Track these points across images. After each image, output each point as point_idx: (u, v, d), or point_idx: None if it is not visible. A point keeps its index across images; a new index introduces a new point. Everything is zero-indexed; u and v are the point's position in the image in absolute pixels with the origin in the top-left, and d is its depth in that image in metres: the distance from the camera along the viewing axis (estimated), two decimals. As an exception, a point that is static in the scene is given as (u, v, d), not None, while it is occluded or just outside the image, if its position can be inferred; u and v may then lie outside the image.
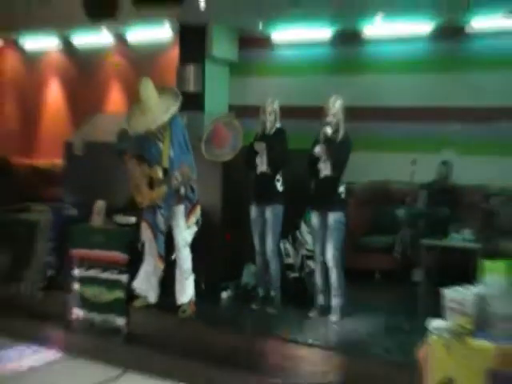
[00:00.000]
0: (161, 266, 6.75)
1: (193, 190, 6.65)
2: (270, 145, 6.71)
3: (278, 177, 6.82)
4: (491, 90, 8.86)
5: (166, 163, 6.50)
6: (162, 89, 6.80)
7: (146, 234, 6.77)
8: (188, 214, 6.66)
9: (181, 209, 6.62)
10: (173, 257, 6.74)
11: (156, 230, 6.70)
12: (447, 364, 3.98)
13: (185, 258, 6.65)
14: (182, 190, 6.51)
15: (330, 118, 6.42)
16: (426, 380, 4.10)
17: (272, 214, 6.80)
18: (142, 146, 6.68)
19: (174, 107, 6.52)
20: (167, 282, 6.80)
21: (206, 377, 5.92)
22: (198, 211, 6.75)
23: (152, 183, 6.59)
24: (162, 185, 6.47)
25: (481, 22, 9.11)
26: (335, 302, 6.55)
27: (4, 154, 11.82)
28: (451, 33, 9.48)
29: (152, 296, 6.86)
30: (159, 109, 6.50)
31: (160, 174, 6.49)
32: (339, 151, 6.38)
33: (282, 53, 11.09)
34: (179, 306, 6.66)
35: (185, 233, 6.65)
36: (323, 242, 6.52)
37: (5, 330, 7.33)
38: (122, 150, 7.48)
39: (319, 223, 6.53)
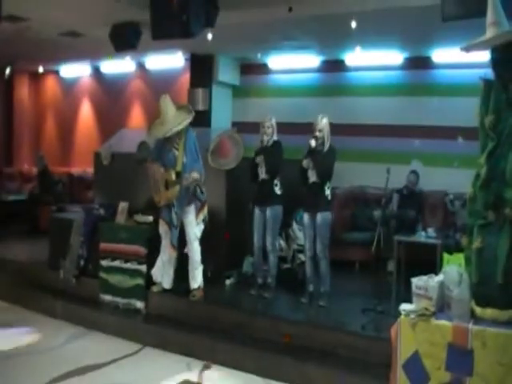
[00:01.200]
0: (173, 254, 6.76)
1: (202, 192, 6.70)
2: (268, 155, 6.73)
3: (276, 182, 6.81)
4: (451, 113, 8.90)
5: (179, 167, 6.52)
6: (179, 105, 6.92)
7: (162, 229, 6.79)
8: (197, 212, 6.71)
9: (192, 208, 6.65)
10: (185, 250, 6.77)
11: (171, 225, 6.71)
12: (413, 339, 4.04)
13: (195, 250, 6.68)
14: (192, 189, 6.55)
15: (316, 133, 6.44)
16: (395, 352, 4.15)
17: (272, 213, 6.77)
18: (161, 153, 6.72)
19: (187, 120, 6.59)
20: (180, 271, 6.81)
21: (212, 348, 5.96)
22: (205, 210, 6.79)
23: (167, 185, 6.64)
24: (176, 185, 6.52)
25: (442, 55, 9.22)
26: (323, 288, 6.57)
27: (45, 163, 11.83)
28: (418, 63, 9.56)
29: (167, 282, 6.87)
30: (175, 120, 6.56)
31: (174, 176, 6.53)
32: (324, 161, 6.42)
33: (277, 77, 11.14)
34: (190, 291, 6.70)
35: (195, 229, 6.68)
36: (313, 239, 6.52)
37: (45, 309, 7.39)
38: (141, 159, 7.55)
39: (310, 222, 6.51)
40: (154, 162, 6.74)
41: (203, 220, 6.77)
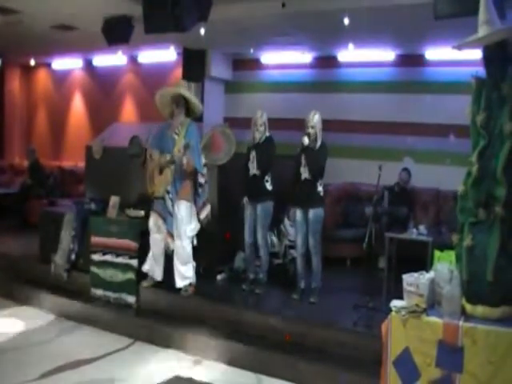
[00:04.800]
0: (171, 242, 6.68)
1: (201, 185, 6.68)
2: (260, 152, 6.74)
3: (267, 178, 6.83)
4: (443, 110, 8.94)
5: (176, 151, 6.47)
6: None
7: (152, 221, 6.76)
8: (199, 210, 6.71)
9: (184, 204, 6.60)
10: (171, 247, 6.73)
11: (165, 215, 6.67)
12: (404, 336, 4.06)
13: (184, 248, 6.61)
14: (184, 160, 6.39)
15: (309, 130, 6.45)
16: (386, 348, 4.17)
17: (262, 209, 6.79)
18: (161, 141, 6.69)
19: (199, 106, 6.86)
20: (172, 267, 6.82)
21: (203, 343, 5.98)
22: (208, 208, 6.79)
23: (162, 170, 6.60)
24: (167, 165, 6.50)
25: (434, 53, 9.25)
26: (314, 285, 6.61)
27: (36, 156, 11.81)
28: (410, 61, 9.59)
29: (158, 275, 6.86)
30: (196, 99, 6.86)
31: (168, 157, 6.51)
32: (317, 158, 6.43)
33: (269, 73, 11.14)
34: (178, 289, 6.68)
35: (186, 226, 6.60)
36: (305, 234, 6.55)
37: (36, 303, 7.39)
38: (133, 153, 7.53)
39: (302, 218, 6.53)
40: (152, 152, 6.73)
41: (205, 218, 6.76)
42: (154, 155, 6.68)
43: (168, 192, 6.61)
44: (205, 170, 6.72)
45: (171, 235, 6.70)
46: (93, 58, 12.78)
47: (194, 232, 6.71)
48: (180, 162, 6.40)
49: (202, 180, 6.65)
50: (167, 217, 6.68)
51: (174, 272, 6.70)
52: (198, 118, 10.32)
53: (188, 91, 6.88)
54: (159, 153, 6.63)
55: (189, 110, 6.77)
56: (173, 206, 6.62)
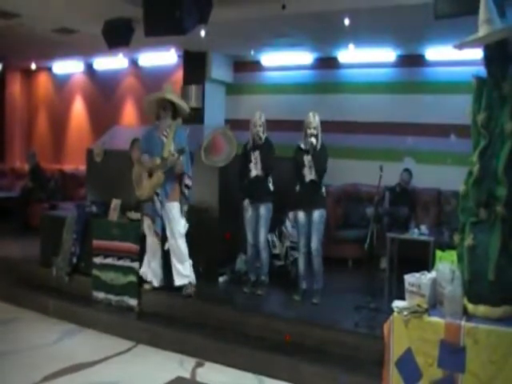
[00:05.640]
0: (156, 241, 6.75)
1: (188, 187, 6.70)
2: (263, 153, 6.73)
3: (270, 179, 6.83)
4: (444, 110, 8.94)
5: (166, 154, 6.48)
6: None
7: (146, 224, 6.79)
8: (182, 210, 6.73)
9: (176, 204, 6.62)
10: (166, 247, 6.75)
11: (154, 217, 6.69)
12: (406, 336, 4.06)
13: (180, 246, 6.63)
14: (179, 166, 6.47)
15: (311, 131, 6.43)
16: (388, 349, 4.16)
17: (265, 210, 6.79)
18: (150, 144, 6.70)
19: (185, 109, 6.84)
20: (170, 269, 6.82)
21: (205, 345, 5.96)
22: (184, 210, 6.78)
23: (151, 173, 6.60)
24: (159, 169, 6.48)
25: (435, 53, 9.25)
26: (316, 286, 6.60)
27: (37, 160, 11.82)
28: (411, 61, 9.59)
29: (156, 280, 6.89)
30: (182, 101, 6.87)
31: (158, 160, 6.51)
32: (321, 158, 6.42)
33: (270, 75, 11.15)
34: (181, 288, 6.67)
35: (179, 225, 6.63)
36: (308, 236, 6.54)
37: (38, 306, 7.36)
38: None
39: (305, 220, 6.51)
40: (140, 155, 6.76)
41: (186, 219, 6.76)
42: (143, 158, 6.70)
43: (157, 194, 6.63)
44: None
45: (157, 234, 6.74)
46: (93, 61, 12.81)
47: (186, 228, 6.72)
48: (172, 165, 6.44)
49: (189, 182, 6.67)
50: (156, 218, 6.71)
51: (172, 271, 6.74)
52: (199, 120, 10.46)
53: (173, 94, 6.88)
54: (148, 156, 6.66)
55: (175, 112, 6.80)
56: (162, 207, 6.65)
